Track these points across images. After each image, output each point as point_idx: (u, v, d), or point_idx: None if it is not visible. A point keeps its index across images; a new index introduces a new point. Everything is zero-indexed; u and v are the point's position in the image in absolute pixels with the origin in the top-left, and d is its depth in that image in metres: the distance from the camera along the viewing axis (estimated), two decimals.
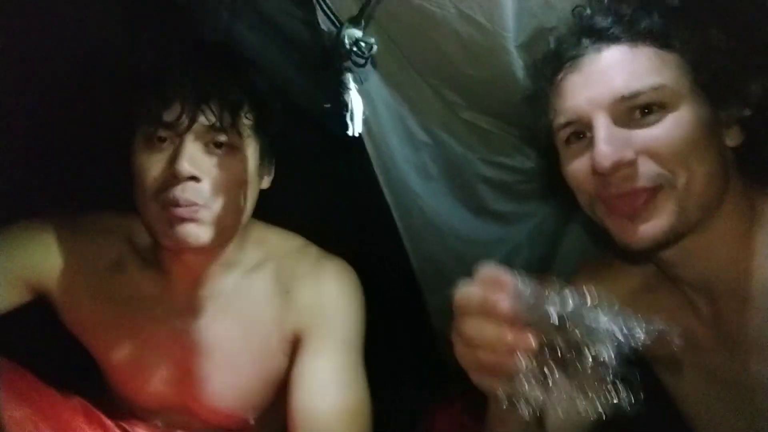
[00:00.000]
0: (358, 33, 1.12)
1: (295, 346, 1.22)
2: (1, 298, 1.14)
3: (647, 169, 0.91)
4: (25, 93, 1.22)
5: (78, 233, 1.22)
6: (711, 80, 0.92)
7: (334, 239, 1.34)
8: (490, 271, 0.77)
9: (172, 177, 1.06)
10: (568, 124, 0.99)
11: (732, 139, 0.96)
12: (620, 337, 0.69)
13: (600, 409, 0.70)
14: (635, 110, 0.92)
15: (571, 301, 0.71)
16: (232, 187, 1.12)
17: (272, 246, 1.30)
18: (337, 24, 1.16)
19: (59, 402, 1.15)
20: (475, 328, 0.76)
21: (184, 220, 1.08)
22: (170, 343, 1.23)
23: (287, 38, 1.36)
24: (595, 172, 0.93)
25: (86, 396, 1.25)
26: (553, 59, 1.02)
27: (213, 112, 1.09)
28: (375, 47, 1.13)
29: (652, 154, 0.91)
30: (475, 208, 1.57)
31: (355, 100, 1.17)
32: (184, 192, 1.07)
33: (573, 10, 1.02)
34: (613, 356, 0.68)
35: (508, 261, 1.61)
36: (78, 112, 1.26)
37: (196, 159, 1.08)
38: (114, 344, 1.24)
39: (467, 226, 1.58)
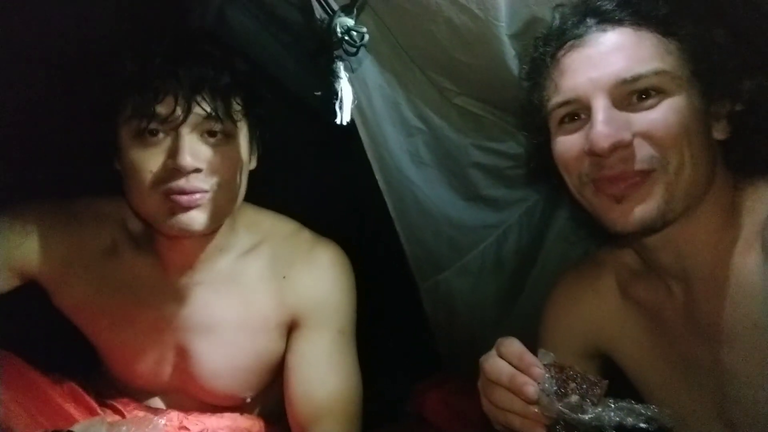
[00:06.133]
0: (350, 22, 1.12)
1: (291, 331, 1.25)
2: None
3: (643, 152, 0.93)
4: (11, 85, 1.21)
5: (71, 219, 1.23)
6: (707, 72, 0.93)
7: (329, 225, 1.36)
8: (515, 347, 0.90)
9: (174, 170, 1.07)
10: (565, 103, 0.99)
11: (720, 132, 0.98)
12: (626, 424, 0.84)
13: None
14: (633, 94, 0.93)
15: (590, 409, 0.84)
16: (228, 172, 1.14)
17: (266, 229, 1.31)
18: (330, 12, 1.15)
19: (48, 385, 1.17)
20: (504, 399, 0.90)
21: (188, 208, 1.10)
22: (165, 326, 1.25)
23: (281, 23, 1.35)
24: (592, 153, 0.95)
25: (80, 375, 1.27)
26: (557, 36, 1.03)
27: (207, 101, 1.08)
28: (366, 36, 1.13)
29: (648, 138, 0.92)
30: (467, 194, 1.58)
31: (345, 88, 1.17)
32: (188, 182, 1.08)
33: None
34: None
35: (499, 245, 1.63)
36: (64, 107, 1.24)
37: (195, 150, 1.09)
38: (109, 328, 1.25)
39: (459, 211, 1.58)
